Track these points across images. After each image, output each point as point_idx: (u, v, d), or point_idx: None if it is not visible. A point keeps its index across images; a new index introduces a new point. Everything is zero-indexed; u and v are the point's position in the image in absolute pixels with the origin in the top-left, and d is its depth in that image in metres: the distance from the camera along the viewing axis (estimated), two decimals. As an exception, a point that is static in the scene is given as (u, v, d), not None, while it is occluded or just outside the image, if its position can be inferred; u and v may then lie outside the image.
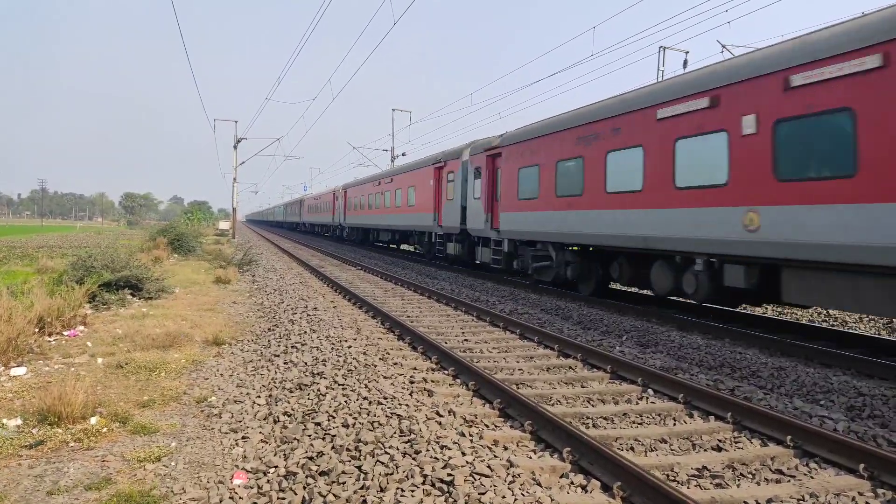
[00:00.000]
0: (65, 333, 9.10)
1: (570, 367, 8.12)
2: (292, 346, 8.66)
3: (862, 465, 4.67)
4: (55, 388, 5.56)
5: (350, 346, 8.63)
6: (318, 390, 6.44)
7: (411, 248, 32.61)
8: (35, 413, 5.48)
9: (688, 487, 4.51)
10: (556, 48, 24.86)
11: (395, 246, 35.05)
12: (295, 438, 5.14)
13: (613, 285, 15.44)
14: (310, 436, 5.20)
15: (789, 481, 4.65)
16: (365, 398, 6.13)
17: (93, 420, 5.42)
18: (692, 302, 11.30)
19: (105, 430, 5.28)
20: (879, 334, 11.54)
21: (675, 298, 12.95)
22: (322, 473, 4.42)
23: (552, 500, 4.14)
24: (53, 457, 4.73)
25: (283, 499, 4.12)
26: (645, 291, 15.20)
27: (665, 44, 20.34)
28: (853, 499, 4.35)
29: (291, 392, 6.49)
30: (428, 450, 4.77)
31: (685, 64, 18.72)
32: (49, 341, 8.62)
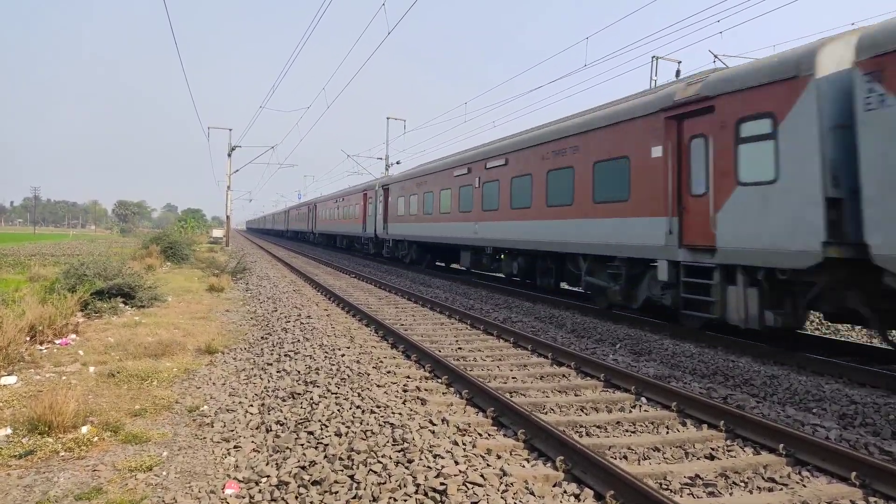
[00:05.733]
0: (56, 342, 9.04)
1: (564, 376, 8.12)
2: (285, 355, 8.63)
3: (854, 474, 4.69)
4: (46, 396, 5.52)
5: (343, 355, 8.60)
6: (311, 399, 6.42)
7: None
8: (25, 422, 5.44)
9: (681, 496, 4.51)
10: (549, 58, 25.02)
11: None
12: (287, 448, 5.12)
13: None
14: (302, 445, 5.18)
15: (782, 489, 4.66)
16: (358, 407, 6.11)
17: (84, 429, 5.39)
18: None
19: (96, 439, 5.25)
20: (871, 342, 11.60)
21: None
22: (314, 483, 4.40)
23: (545, 509, 4.13)
24: (43, 466, 4.69)
25: (275, 508, 4.09)
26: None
27: (658, 53, 20.48)
28: (845, 507, 4.36)
29: (284, 401, 6.47)
30: (421, 459, 4.76)
31: (678, 73, 18.83)
32: (40, 350, 8.56)
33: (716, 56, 15.78)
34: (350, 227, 39.38)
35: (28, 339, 8.55)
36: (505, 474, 4.58)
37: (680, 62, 19.89)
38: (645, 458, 5.25)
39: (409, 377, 7.75)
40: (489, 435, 5.70)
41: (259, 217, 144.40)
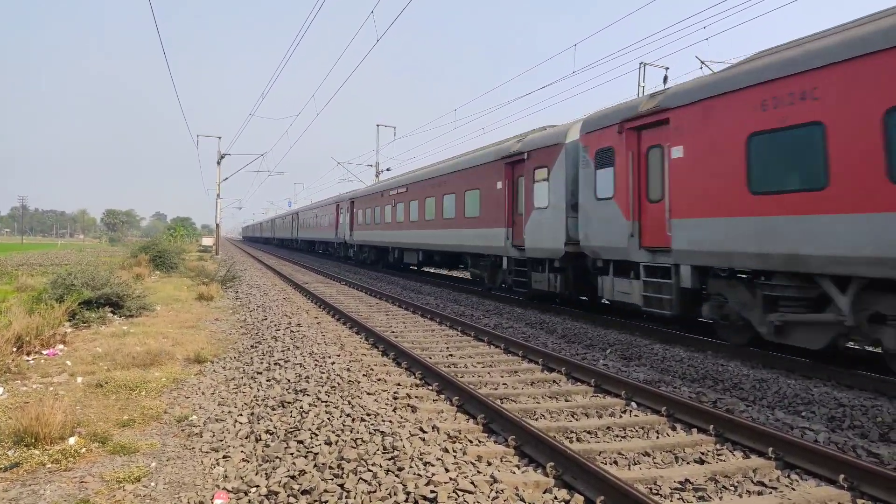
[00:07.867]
0: (44, 352, 8.95)
1: (555, 381, 8.13)
2: (275, 364, 8.59)
3: (842, 476, 4.72)
4: (33, 408, 5.46)
5: (334, 363, 8.58)
6: (301, 408, 6.39)
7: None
8: (11, 434, 5.38)
9: (671, 501, 4.53)
10: (538, 65, 25.17)
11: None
12: (277, 457, 5.10)
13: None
14: (292, 454, 5.15)
15: (771, 493, 4.68)
16: (348, 415, 6.09)
17: (71, 440, 5.34)
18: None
19: (84, 450, 5.20)
20: (860, 346, 11.67)
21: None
22: (304, 492, 4.37)
23: (536, 515, 4.13)
24: (30, 479, 4.64)
25: (265, 518, 4.07)
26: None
27: (645, 60, 20.64)
28: (833, 509, 4.38)
29: (274, 410, 6.44)
30: (411, 466, 4.74)
31: (665, 80, 18.97)
32: (27, 361, 8.47)
33: (703, 62, 15.90)
34: (326, 234, 44.75)
35: (15, 349, 8.47)
36: (495, 481, 4.57)
37: (668, 68, 20.04)
38: (635, 463, 5.27)
39: (399, 384, 7.74)
40: (479, 442, 5.69)
41: (250, 224, 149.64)
